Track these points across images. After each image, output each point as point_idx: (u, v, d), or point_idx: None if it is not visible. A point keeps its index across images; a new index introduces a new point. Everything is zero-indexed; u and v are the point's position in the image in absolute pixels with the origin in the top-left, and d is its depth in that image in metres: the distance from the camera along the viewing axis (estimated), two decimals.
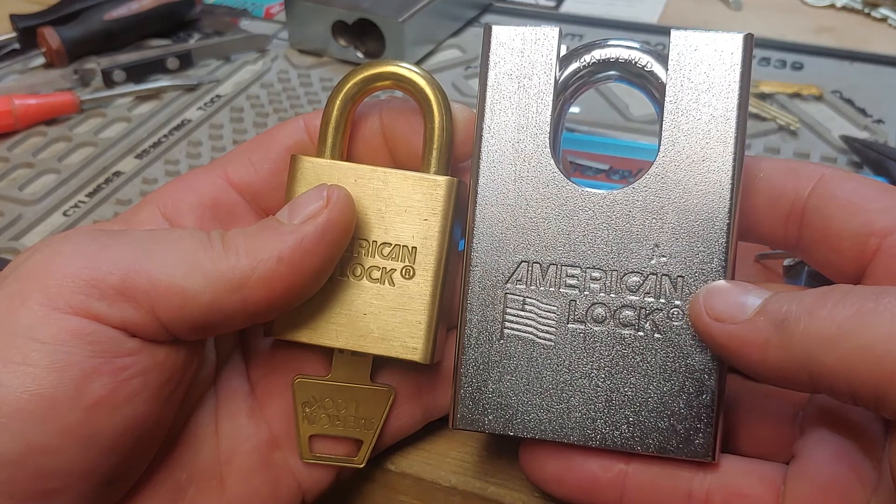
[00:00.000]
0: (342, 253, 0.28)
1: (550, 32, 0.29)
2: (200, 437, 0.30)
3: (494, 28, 0.29)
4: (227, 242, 0.27)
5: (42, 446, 0.24)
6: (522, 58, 0.29)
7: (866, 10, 0.68)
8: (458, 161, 0.31)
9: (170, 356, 0.27)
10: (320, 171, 0.30)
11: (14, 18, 0.62)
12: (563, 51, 0.29)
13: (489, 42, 0.29)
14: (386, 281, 0.30)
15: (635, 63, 0.29)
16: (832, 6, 0.69)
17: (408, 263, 0.30)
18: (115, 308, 0.25)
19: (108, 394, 0.25)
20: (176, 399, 0.28)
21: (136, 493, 0.28)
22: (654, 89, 0.29)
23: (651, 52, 0.29)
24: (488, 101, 0.29)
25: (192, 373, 0.29)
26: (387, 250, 0.30)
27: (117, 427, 0.25)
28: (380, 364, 0.31)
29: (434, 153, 0.30)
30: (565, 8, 0.70)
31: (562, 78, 0.29)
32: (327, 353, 0.31)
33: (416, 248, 0.30)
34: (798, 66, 0.60)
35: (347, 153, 0.31)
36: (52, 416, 0.24)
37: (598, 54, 0.29)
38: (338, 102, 0.30)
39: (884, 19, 0.67)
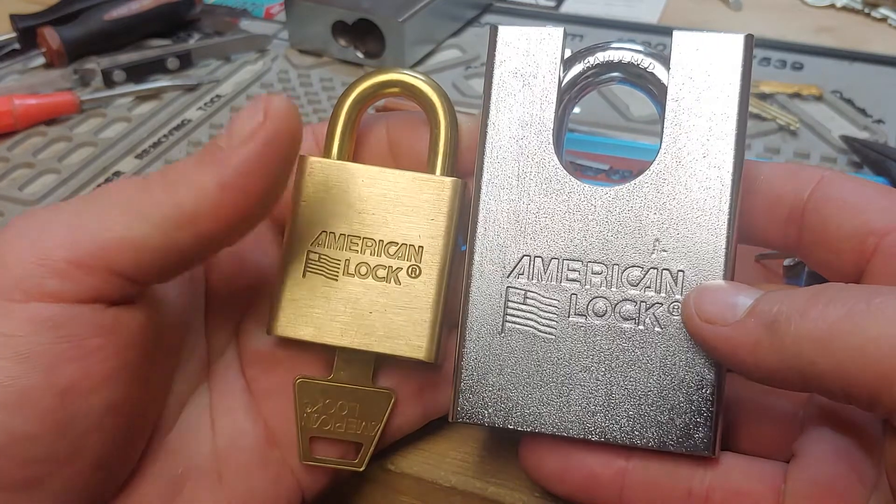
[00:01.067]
0: (292, 167, 0.27)
1: (555, 33, 0.29)
2: (195, 431, 0.30)
3: (500, 28, 0.30)
4: (166, 179, 0.26)
5: (21, 434, 0.24)
6: (527, 57, 0.29)
7: (866, 10, 0.68)
8: (461, 170, 0.31)
9: (139, 330, 0.26)
10: (328, 171, 0.30)
11: (14, 18, 0.62)
12: (568, 52, 0.30)
13: (495, 41, 0.30)
14: (392, 280, 0.30)
15: (638, 65, 0.29)
16: (832, 6, 0.69)
17: (414, 262, 0.30)
18: (71, 281, 0.25)
19: (80, 378, 0.24)
20: (157, 381, 0.28)
21: (133, 485, 0.28)
22: (655, 90, 0.29)
23: (653, 54, 0.29)
24: (493, 98, 0.29)
25: (168, 350, 0.28)
26: (393, 249, 0.30)
27: (94, 410, 0.25)
28: (381, 363, 0.31)
29: (440, 156, 0.30)
30: (565, 8, 0.70)
31: (566, 79, 0.30)
32: (327, 353, 0.31)
33: (422, 247, 0.30)
34: (798, 66, 0.60)
35: (353, 160, 0.31)
36: (27, 405, 0.24)
37: (601, 56, 0.30)
38: (346, 107, 0.31)
39: (884, 19, 0.67)
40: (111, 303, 0.25)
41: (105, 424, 0.25)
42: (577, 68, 0.30)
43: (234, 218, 0.26)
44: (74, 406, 0.24)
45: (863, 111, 0.55)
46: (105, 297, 0.25)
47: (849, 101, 0.56)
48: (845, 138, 0.51)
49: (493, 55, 0.30)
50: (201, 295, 0.31)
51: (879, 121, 0.54)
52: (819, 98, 0.57)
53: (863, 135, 0.53)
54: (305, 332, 0.30)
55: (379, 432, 0.31)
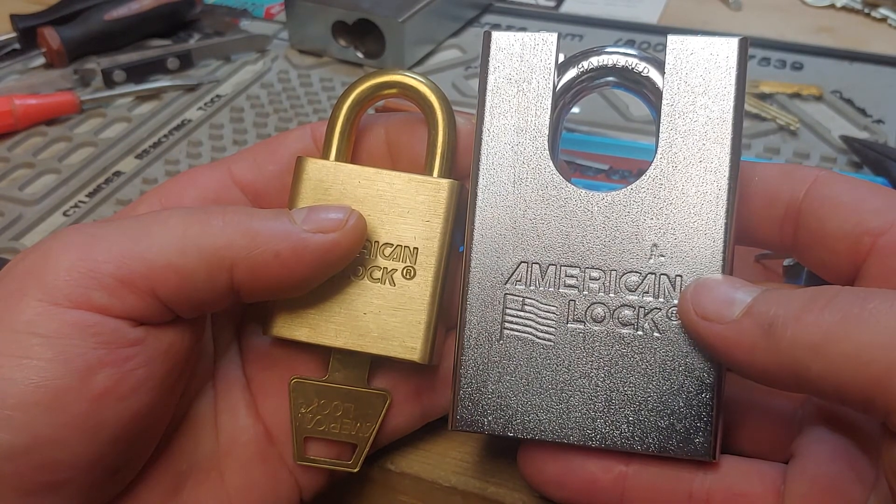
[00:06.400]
0: (333, 273, 0.29)
1: (549, 38, 0.30)
2: (200, 428, 0.30)
3: (494, 34, 0.30)
4: (227, 218, 0.27)
5: (48, 438, 0.24)
6: (522, 63, 0.29)
7: (866, 10, 0.68)
8: (458, 172, 0.31)
9: (173, 345, 0.27)
10: (325, 172, 0.30)
11: (14, 18, 0.62)
12: (562, 57, 0.30)
13: (489, 47, 0.30)
14: (387, 281, 0.30)
15: (632, 69, 0.29)
16: (832, 6, 0.69)
17: (409, 264, 0.30)
18: (116, 297, 0.25)
19: (114, 385, 0.25)
20: (178, 388, 0.28)
21: (138, 482, 0.28)
22: (650, 94, 0.29)
23: (647, 58, 0.29)
24: (488, 104, 0.29)
25: (194, 362, 0.29)
26: (388, 251, 0.30)
27: (122, 418, 0.25)
28: (379, 365, 0.31)
29: (437, 158, 0.30)
30: (565, 8, 0.70)
31: (560, 84, 0.30)
32: (324, 353, 0.31)
33: (417, 248, 0.30)
34: (798, 66, 0.60)
35: (351, 161, 0.31)
36: (58, 408, 0.24)
37: (595, 61, 0.30)
38: (345, 108, 0.31)
39: (884, 19, 0.67)
40: (150, 324, 0.26)
41: (128, 433, 0.26)
42: (571, 73, 0.30)
43: (267, 285, 0.27)
44: (104, 413, 0.25)
45: (863, 111, 0.55)
46: (141, 318, 0.26)
47: (849, 101, 0.56)
48: (845, 138, 0.51)
49: (487, 61, 0.30)
50: None
51: (879, 121, 0.54)
52: (819, 98, 0.57)
53: (863, 135, 0.53)
54: (301, 333, 0.30)
55: (374, 433, 0.31)
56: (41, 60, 0.61)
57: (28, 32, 0.61)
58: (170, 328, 0.27)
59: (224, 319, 0.32)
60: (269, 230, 0.27)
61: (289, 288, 0.28)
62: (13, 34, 0.62)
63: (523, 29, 0.66)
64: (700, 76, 0.28)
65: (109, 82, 0.58)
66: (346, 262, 0.29)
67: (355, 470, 0.31)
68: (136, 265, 0.25)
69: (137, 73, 0.59)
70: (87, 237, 0.26)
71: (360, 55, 0.61)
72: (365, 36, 0.60)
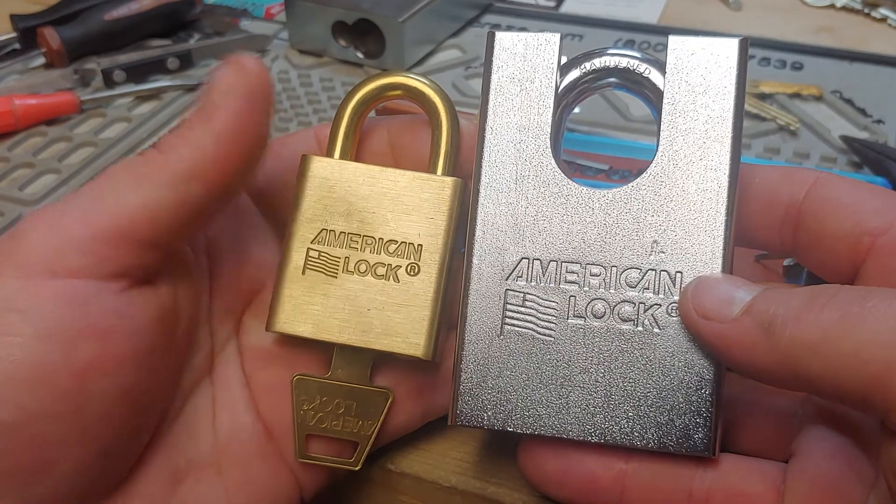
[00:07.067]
0: (269, 114, 0.28)
1: (552, 38, 0.30)
2: (197, 424, 0.30)
3: (498, 34, 0.30)
4: (163, 146, 0.27)
5: (36, 412, 0.24)
6: (525, 62, 0.30)
7: (866, 10, 0.68)
8: (462, 173, 0.31)
9: (153, 319, 0.27)
10: (330, 170, 0.30)
11: (14, 18, 0.62)
12: (564, 58, 0.30)
13: (492, 47, 0.30)
14: (391, 277, 0.30)
15: (634, 70, 0.30)
16: (832, 6, 0.69)
17: (413, 261, 0.30)
18: (91, 254, 0.25)
19: (97, 358, 0.25)
20: (166, 371, 0.28)
21: (136, 476, 0.28)
22: (651, 94, 0.30)
23: (649, 59, 0.30)
24: (491, 102, 0.30)
25: (182, 347, 0.29)
26: (392, 247, 0.30)
27: (108, 394, 0.25)
28: (381, 362, 0.31)
29: (441, 157, 0.30)
30: (565, 8, 0.70)
31: (562, 85, 0.30)
32: (322, 351, 0.31)
33: (421, 245, 0.30)
34: (798, 66, 0.60)
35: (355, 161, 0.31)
36: (43, 382, 0.24)
37: (597, 62, 0.30)
38: (349, 109, 0.31)
39: (884, 19, 0.67)
40: (131, 277, 0.26)
41: (115, 412, 0.26)
42: (573, 74, 0.30)
43: (234, 165, 0.27)
44: (89, 388, 0.25)
45: (862, 111, 0.55)
46: (126, 270, 0.26)
47: (848, 101, 0.56)
48: (845, 138, 0.51)
49: (491, 61, 0.30)
50: (206, 289, 0.31)
51: (879, 121, 0.54)
52: (819, 98, 0.57)
53: (862, 135, 0.53)
54: (304, 329, 0.30)
55: (375, 431, 0.31)
56: (41, 60, 0.61)
57: (28, 32, 0.61)
58: (148, 296, 0.27)
59: (222, 316, 0.32)
60: (195, 131, 0.27)
61: (250, 150, 0.28)
62: (13, 34, 0.62)
63: (523, 29, 0.66)
64: (701, 76, 0.28)
65: (109, 82, 0.58)
66: (270, 90, 0.28)
67: (357, 468, 0.31)
68: (103, 219, 0.26)
69: (137, 73, 0.59)
70: (54, 209, 0.26)
71: (360, 55, 0.61)
72: (365, 36, 0.60)
